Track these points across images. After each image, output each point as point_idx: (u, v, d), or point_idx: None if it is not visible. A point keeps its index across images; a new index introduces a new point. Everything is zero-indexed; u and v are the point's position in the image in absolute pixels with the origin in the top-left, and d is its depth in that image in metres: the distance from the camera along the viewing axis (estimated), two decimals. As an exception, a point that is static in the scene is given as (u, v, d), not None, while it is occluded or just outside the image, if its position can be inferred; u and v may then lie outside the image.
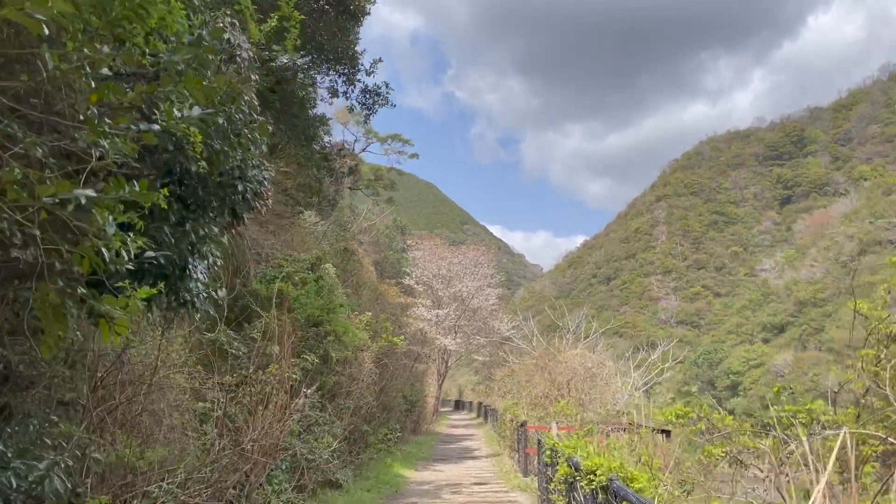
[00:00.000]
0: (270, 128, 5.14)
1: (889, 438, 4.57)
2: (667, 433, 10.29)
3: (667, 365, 21.07)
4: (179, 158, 3.78)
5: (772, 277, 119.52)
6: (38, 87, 2.75)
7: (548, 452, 8.39)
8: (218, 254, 4.52)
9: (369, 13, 13.41)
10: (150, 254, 3.30)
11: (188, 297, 4.18)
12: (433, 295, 33.03)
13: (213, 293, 4.52)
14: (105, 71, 2.74)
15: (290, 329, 8.68)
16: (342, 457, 10.75)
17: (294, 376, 8.29)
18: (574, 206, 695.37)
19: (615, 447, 7.16)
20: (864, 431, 4.72)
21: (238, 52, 4.92)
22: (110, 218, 2.63)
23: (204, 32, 3.41)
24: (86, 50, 2.49)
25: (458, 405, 59.15)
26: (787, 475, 5.36)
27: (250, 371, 7.62)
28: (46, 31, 2.16)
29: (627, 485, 4.64)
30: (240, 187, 4.46)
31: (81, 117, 2.67)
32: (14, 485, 3.51)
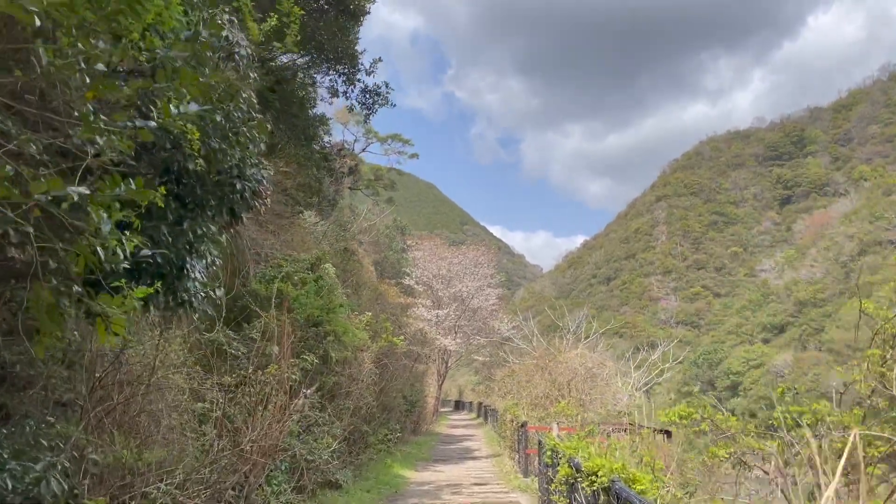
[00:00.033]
0: (270, 127, 5.10)
1: None
2: (667, 434, 10.26)
3: (667, 365, 21.07)
4: (177, 157, 3.74)
5: (772, 278, 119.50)
6: (33, 84, 2.71)
7: (548, 453, 8.35)
8: (216, 253, 4.48)
9: (369, 12, 13.37)
10: (145, 252, 3.26)
11: (186, 297, 4.14)
12: (433, 295, 33.00)
13: (212, 293, 4.48)
14: (100, 67, 2.70)
15: (289, 329, 8.64)
16: (342, 457, 10.71)
17: (293, 377, 8.25)
18: (574, 206, 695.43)
19: (616, 448, 7.12)
20: (874, 433, 4.66)
21: (237, 50, 4.88)
22: (105, 216, 2.59)
23: (201, 28, 3.37)
24: (80, 45, 2.45)
25: (458, 405, 59.13)
26: (792, 477, 5.31)
27: (249, 371, 7.58)
28: (38, 23, 2.12)
29: (630, 486, 4.60)
30: (238, 186, 4.43)
31: (76, 114, 2.63)
32: (10, 486, 3.47)
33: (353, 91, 14.41)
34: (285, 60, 13.30)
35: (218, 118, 3.79)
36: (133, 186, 2.72)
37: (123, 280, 3.21)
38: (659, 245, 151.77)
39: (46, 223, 2.66)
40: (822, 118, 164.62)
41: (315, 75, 14.17)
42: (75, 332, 5.01)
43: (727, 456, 6.18)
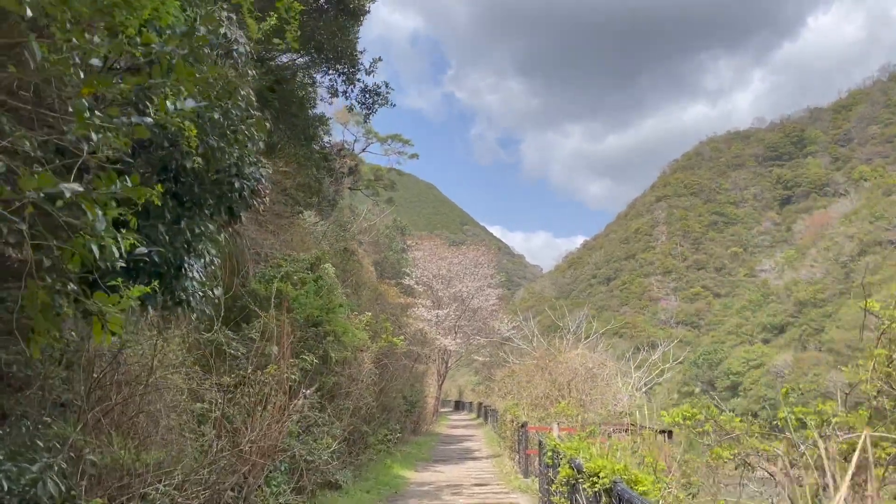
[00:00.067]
0: (269, 126, 5.06)
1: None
2: (668, 434, 10.22)
3: (667, 365, 21.03)
4: (175, 154, 3.70)
5: (772, 278, 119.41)
6: (27, 80, 2.67)
7: (549, 454, 8.32)
8: (214, 252, 4.44)
9: (369, 12, 13.35)
10: (142, 250, 3.22)
11: (184, 297, 4.10)
12: (433, 295, 32.97)
13: (210, 292, 4.44)
14: (96, 62, 2.66)
15: (289, 329, 8.60)
16: (341, 458, 10.67)
17: (293, 377, 8.21)
18: (574, 206, 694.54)
19: (618, 449, 7.09)
20: (885, 434, 4.61)
21: (235, 48, 4.84)
22: (100, 213, 2.55)
23: (198, 22, 3.33)
24: (75, 40, 2.41)
25: (458, 406, 59.09)
26: (797, 478, 5.27)
27: (249, 371, 7.54)
28: (29, 13, 2.08)
29: (632, 487, 4.56)
30: (237, 184, 4.39)
31: (71, 110, 2.59)
32: (6, 488, 3.44)
33: (352, 91, 14.40)
34: (285, 60, 13.28)
35: (216, 115, 3.76)
36: (129, 184, 2.68)
37: (120, 279, 3.18)
38: (659, 245, 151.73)
39: (41, 221, 2.62)
40: (822, 118, 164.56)
41: (315, 75, 14.15)
42: (73, 333, 4.97)
43: (731, 457, 6.14)
